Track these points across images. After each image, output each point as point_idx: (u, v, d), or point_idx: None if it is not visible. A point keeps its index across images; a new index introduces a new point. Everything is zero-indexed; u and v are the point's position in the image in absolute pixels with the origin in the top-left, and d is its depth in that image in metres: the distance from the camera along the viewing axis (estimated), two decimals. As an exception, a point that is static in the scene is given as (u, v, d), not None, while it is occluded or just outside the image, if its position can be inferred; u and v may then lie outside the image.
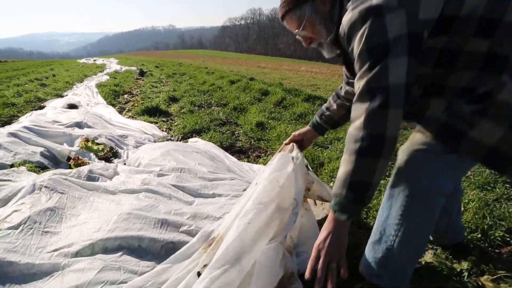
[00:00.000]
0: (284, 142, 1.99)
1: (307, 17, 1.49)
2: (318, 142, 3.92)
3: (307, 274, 1.29)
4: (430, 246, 2.02)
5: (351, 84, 1.83)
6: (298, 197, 1.55)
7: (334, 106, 2.00)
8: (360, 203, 1.28)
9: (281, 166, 1.59)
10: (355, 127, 1.25)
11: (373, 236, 1.52)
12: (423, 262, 1.89)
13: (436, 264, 1.84)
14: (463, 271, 1.77)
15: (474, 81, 1.22)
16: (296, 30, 1.55)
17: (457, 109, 1.24)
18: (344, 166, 1.28)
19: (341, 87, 1.99)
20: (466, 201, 2.41)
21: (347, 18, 1.27)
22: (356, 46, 1.24)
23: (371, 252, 1.53)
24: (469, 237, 2.03)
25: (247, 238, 1.37)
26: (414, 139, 1.39)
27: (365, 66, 1.22)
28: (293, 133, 2.03)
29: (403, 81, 1.19)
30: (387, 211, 1.45)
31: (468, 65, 1.23)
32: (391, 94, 1.19)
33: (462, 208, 2.34)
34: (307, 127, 2.05)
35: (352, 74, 1.63)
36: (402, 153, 1.39)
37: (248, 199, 1.53)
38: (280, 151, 1.88)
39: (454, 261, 1.86)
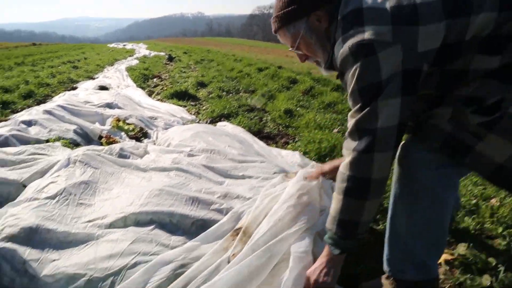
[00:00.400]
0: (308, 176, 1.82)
1: (302, 36, 1.36)
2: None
3: None
4: (464, 239, 1.97)
5: None
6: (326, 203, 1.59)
7: None
8: (350, 240, 1.28)
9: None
10: (343, 165, 1.23)
11: (387, 233, 1.49)
12: (456, 254, 1.84)
13: (470, 257, 1.78)
14: (499, 265, 1.71)
15: (482, 89, 1.12)
16: (290, 48, 1.44)
17: (464, 118, 1.14)
18: (334, 203, 1.29)
19: None
20: (503, 196, 2.33)
21: (339, 51, 1.18)
22: (349, 83, 1.18)
23: (389, 249, 1.50)
24: (505, 232, 1.96)
25: (278, 231, 1.42)
26: (416, 137, 1.31)
27: (356, 106, 1.17)
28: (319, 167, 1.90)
29: (395, 123, 1.13)
30: (394, 209, 1.41)
31: (474, 78, 1.14)
32: (378, 137, 1.14)
33: (498, 203, 2.26)
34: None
35: None
36: (402, 149, 1.32)
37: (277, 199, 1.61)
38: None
39: (489, 255, 1.80)
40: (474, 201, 2.29)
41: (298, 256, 1.37)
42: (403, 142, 1.34)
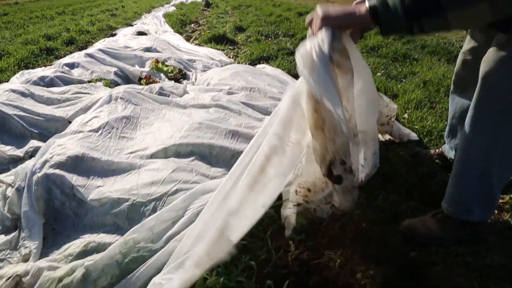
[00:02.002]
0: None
1: None
2: (393, 74, 3.67)
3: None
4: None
5: None
6: None
7: None
8: (408, 20, 0.97)
9: None
10: None
11: (457, 167, 1.39)
12: (506, 199, 1.74)
13: (524, 199, 1.68)
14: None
15: None
16: None
17: None
18: None
19: None
20: None
21: None
22: None
23: (456, 187, 1.41)
24: None
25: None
26: (500, 44, 1.15)
27: None
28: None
29: None
30: (473, 133, 1.30)
31: None
32: None
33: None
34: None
35: None
36: (487, 63, 1.18)
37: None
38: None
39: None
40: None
41: None
42: (485, 55, 1.21)
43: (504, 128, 1.21)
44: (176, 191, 1.40)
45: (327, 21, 1.08)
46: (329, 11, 1.09)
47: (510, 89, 1.15)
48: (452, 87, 1.79)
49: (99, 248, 1.37)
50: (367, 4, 1.02)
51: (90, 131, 1.86)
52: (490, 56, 1.19)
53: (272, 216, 1.49)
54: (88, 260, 1.28)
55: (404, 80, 3.57)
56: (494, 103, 1.19)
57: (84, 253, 1.37)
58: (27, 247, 1.49)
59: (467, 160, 1.34)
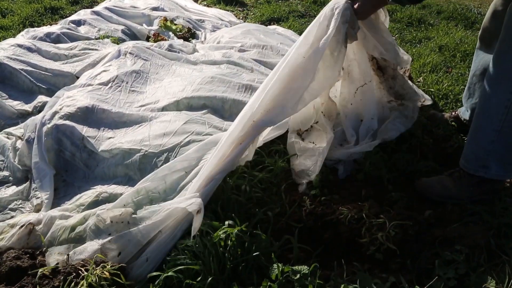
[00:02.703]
0: None
1: None
2: (407, 38, 3.56)
3: None
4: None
5: None
6: None
7: None
8: None
9: None
10: None
11: (476, 121, 1.37)
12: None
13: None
14: None
15: None
16: None
17: None
18: None
19: None
20: None
21: None
22: None
23: (473, 143, 1.40)
24: None
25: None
26: None
27: None
28: None
29: None
30: (493, 88, 1.29)
31: None
32: None
33: None
34: None
35: None
36: None
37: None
38: None
39: None
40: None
41: None
42: None
43: None
44: (188, 142, 1.38)
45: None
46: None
47: None
48: (478, 43, 1.72)
49: (111, 198, 1.37)
50: None
51: (99, 84, 1.82)
52: None
53: (287, 171, 1.47)
54: (100, 209, 1.27)
55: (418, 45, 3.47)
56: None
57: (95, 203, 1.37)
58: (38, 198, 1.48)
59: (487, 113, 1.33)
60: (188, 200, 1.12)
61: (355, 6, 1.35)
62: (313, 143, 1.47)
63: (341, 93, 1.58)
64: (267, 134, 1.45)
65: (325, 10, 1.38)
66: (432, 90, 2.40)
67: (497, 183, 1.41)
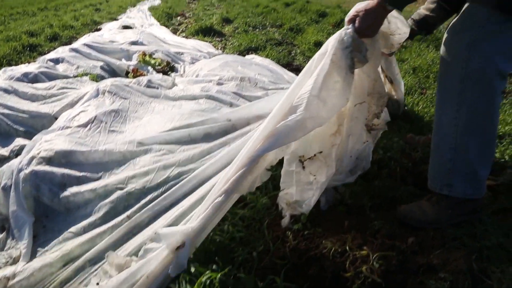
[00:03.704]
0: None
1: None
2: (382, 61, 3.66)
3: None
4: (509, 165, 1.86)
5: None
6: None
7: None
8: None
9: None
10: None
11: (433, 140, 1.43)
12: (500, 181, 1.73)
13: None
14: (551, 190, 1.60)
15: None
16: None
17: None
18: None
19: None
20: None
21: None
22: None
23: (434, 162, 1.45)
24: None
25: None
26: (461, 17, 1.29)
27: None
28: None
29: None
30: (440, 106, 1.38)
31: None
32: None
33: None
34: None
35: None
36: (449, 35, 1.31)
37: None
38: None
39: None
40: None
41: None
42: (449, 27, 1.34)
43: (466, 96, 1.28)
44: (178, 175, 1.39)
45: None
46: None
47: (466, 59, 1.24)
48: None
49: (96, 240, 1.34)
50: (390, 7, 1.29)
51: (78, 126, 1.81)
52: (448, 30, 1.32)
53: (268, 207, 1.47)
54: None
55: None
56: (455, 73, 1.28)
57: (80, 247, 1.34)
58: (17, 248, 1.44)
59: (441, 132, 1.39)
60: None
61: (356, 25, 1.32)
62: (314, 175, 1.43)
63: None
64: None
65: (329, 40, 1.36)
66: (409, 113, 2.46)
67: (473, 203, 1.43)
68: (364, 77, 1.45)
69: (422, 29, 1.91)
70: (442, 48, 1.35)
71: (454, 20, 1.34)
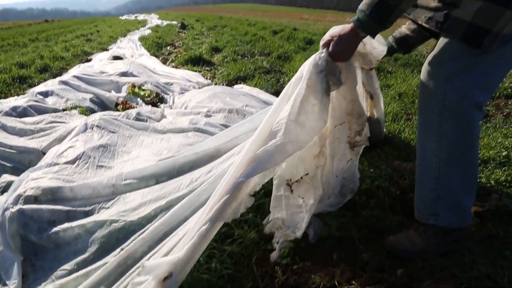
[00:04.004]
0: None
1: None
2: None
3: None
4: (495, 190, 1.88)
5: None
6: None
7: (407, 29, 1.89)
8: (380, 24, 1.25)
9: None
10: None
11: (417, 170, 1.45)
12: (487, 206, 1.76)
13: (502, 208, 1.70)
14: (536, 216, 1.62)
15: None
16: None
17: None
18: None
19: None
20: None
21: None
22: None
23: (419, 192, 1.46)
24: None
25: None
26: (438, 50, 1.32)
27: None
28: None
29: None
30: (422, 138, 1.40)
31: None
32: None
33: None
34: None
35: None
36: (423, 71, 1.35)
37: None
38: None
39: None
40: (504, 153, 2.19)
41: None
42: (424, 63, 1.37)
43: (445, 129, 1.31)
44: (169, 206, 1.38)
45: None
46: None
47: (443, 92, 1.28)
48: None
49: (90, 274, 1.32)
50: (362, 34, 1.30)
51: (66, 162, 1.80)
52: (425, 65, 1.35)
53: (257, 242, 1.47)
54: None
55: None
56: (433, 106, 1.31)
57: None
58: (6, 290, 1.41)
59: (424, 162, 1.41)
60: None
61: (329, 49, 1.33)
62: (302, 198, 1.44)
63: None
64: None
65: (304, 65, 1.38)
66: (395, 139, 2.50)
67: (459, 232, 1.44)
68: (341, 99, 1.47)
69: (401, 48, 1.93)
70: (421, 81, 1.37)
71: (432, 52, 1.36)
